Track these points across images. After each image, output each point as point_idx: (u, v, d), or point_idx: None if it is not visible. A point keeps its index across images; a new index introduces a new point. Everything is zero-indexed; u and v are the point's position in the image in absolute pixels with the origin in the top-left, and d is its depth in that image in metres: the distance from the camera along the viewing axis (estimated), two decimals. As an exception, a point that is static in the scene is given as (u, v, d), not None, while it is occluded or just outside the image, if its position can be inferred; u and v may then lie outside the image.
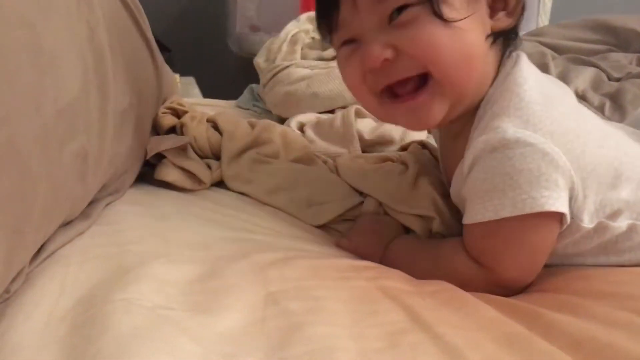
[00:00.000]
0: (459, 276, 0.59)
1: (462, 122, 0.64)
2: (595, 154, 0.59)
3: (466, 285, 0.57)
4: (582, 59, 1.34)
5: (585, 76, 1.23)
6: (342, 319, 0.46)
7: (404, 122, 0.66)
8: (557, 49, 1.40)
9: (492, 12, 0.62)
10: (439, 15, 0.57)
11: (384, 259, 0.66)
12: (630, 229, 0.60)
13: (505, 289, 0.59)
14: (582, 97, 1.17)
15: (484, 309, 0.51)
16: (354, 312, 0.48)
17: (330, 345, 0.42)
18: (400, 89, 0.61)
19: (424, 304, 0.51)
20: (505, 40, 0.65)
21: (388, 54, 0.59)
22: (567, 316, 0.48)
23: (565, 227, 0.59)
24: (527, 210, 0.56)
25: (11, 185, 0.42)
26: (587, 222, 0.59)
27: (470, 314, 0.50)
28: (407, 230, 0.73)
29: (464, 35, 0.59)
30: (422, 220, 0.71)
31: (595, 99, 1.16)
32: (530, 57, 1.36)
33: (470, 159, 0.60)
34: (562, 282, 0.59)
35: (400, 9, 0.58)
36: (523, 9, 0.64)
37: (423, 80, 0.60)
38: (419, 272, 0.61)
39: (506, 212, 0.56)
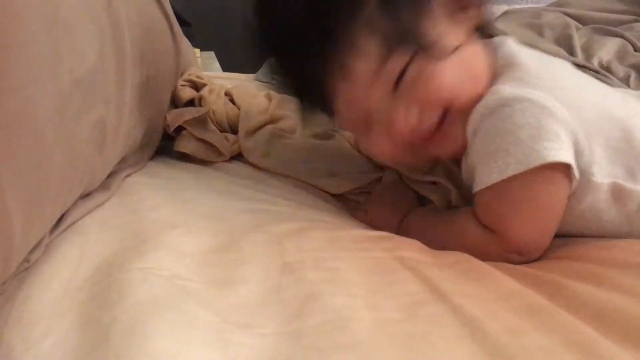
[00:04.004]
0: (473, 246, 0.58)
1: None
2: (597, 110, 0.59)
3: (481, 254, 0.56)
4: (607, 29, 1.30)
5: (609, 47, 1.20)
6: (359, 290, 0.46)
7: (440, 154, 0.66)
8: (581, 20, 1.36)
9: (466, 9, 0.63)
10: (439, 58, 0.58)
11: (400, 230, 0.65)
12: None
13: (520, 254, 0.58)
14: (606, 69, 1.14)
15: (504, 280, 0.50)
16: (371, 282, 0.47)
17: (347, 315, 0.41)
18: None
19: (443, 275, 0.50)
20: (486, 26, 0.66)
21: (413, 119, 0.60)
22: (590, 286, 0.47)
23: (575, 184, 0.58)
24: (532, 164, 0.55)
25: (26, 153, 0.42)
26: (599, 176, 0.58)
27: (490, 284, 0.49)
28: (423, 203, 0.72)
29: (464, 57, 0.60)
30: (440, 192, 0.71)
31: (620, 70, 1.13)
32: (554, 28, 1.33)
33: (472, 126, 0.60)
34: (582, 250, 0.57)
35: (402, 71, 0.59)
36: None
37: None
38: (434, 243, 0.60)
39: (511, 170, 0.56)
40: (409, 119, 0.60)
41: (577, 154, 0.57)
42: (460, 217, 0.63)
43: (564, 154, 0.56)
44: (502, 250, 0.58)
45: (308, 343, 0.39)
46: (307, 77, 0.63)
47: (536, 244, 0.59)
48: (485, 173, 0.58)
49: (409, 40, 0.58)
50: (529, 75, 0.60)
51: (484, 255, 0.56)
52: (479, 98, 0.60)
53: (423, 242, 0.60)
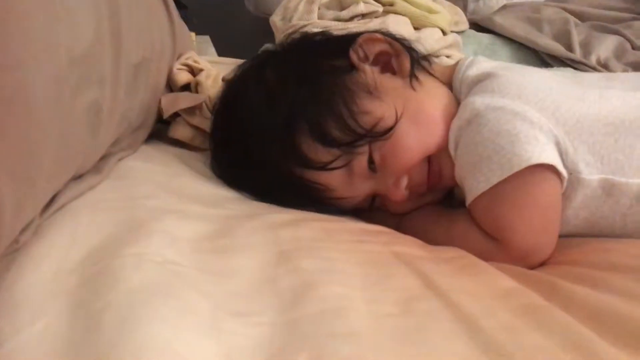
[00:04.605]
0: (476, 254, 0.57)
1: None
2: (573, 108, 0.60)
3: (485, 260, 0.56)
4: (605, 26, 1.30)
5: (608, 44, 1.20)
6: (355, 281, 0.45)
7: (448, 185, 0.68)
8: (580, 16, 1.36)
9: (388, 67, 0.68)
10: (390, 133, 0.62)
11: (400, 227, 0.65)
12: None
13: (526, 259, 0.57)
14: (604, 66, 1.14)
15: (501, 278, 0.50)
16: (367, 275, 0.47)
17: (343, 305, 0.41)
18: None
19: (439, 270, 0.50)
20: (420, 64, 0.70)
21: (405, 184, 0.64)
22: (586, 288, 0.47)
23: (566, 183, 0.58)
24: (515, 168, 0.56)
25: (20, 131, 0.41)
26: (587, 173, 0.58)
27: (487, 282, 0.49)
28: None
29: (411, 112, 0.63)
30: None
31: (618, 67, 1.13)
32: (552, 23, 1.33)
33: (453, 142, 0.62)
34: (579, 254, 0.58)
35: (369, 160, 0.63)
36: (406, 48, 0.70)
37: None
38: (433, 244, 0.60)
39: (497, 177, 0.57)
40: (401, 187, 0.64)
41: (562, 153, 0.58)
42: (461, 225, 0.62)
43: (546, 155, 0.56)
44: (508, 258, 0.57)
45: (304, 332, 0.38)
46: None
47: (542, 246, 0.59)
48: (473, 184, 0.59)
49: (356, 142, 0.62)
50: (499, 85, 0.61)
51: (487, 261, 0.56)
52: (449, 127, 0.63)
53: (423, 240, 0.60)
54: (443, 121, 0.64)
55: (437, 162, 0.65)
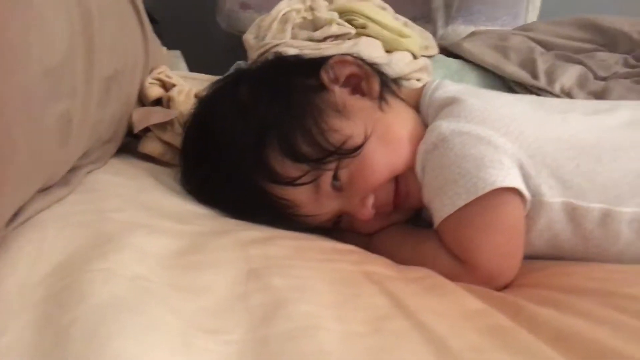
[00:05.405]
0: (444, 275, 0.57)
1: None
2: (537, 132, 0.62)
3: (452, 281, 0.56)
4: (569, 56, 1.34)
5: (571, 73, 1.23)
6: (326, 300, 0.45)
7: (415, 206, 0.69)
8: (545, 45, 1.40)
9: (358, 89, 0.69)
10: (357, 152, 0.63)
11: (369, 246, 0.65)
12: (605, 214, 0.60)
13: (490, 282, 0.58)
14: (567, 94, 1.17)
15: (468, 299, 0.50)
16: (337, 293, 0.47)
17: (313, 324, 0.41)
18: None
19: (408, 290, 0.50)
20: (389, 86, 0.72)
21: (371, 204, 0.65)
22: (550, 310, 0.48)
23: (529, 205, 0.60)
24: (480, 192, 0.57)
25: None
26: (549, 196, 0.60)
27: (454, 302, 0.49)
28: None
29: (379, 132, 0.65)
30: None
31: (581, 96, 1.16)
32: (519, 51, 1.36)
33: (420, 165, 0.63)
34: (543, 277, 0.59)
35: (335, 177, 0.64)
36: (374, 70, 0.72)
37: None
38: (402, 263, 0.60)
39: (462, 200, 0.58)
40: (367, 206, 0.64)
41: (525, 176, 0.60)
42: (430, 246, 0.63)
43: (509, 179, 0.58)
44: (474, 279, 0.58)
45: (274, 350, 0.38)
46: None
47: (506, 267, 0.60)
48: (439, 207, 0.60)
49: (324, 158, 0.63)
50: (465, 110, 0.63)
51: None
52: (416, 149, 0.65)
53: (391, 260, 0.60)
54: (410, 142, 0.65)
55: (405, 182, 0.66)
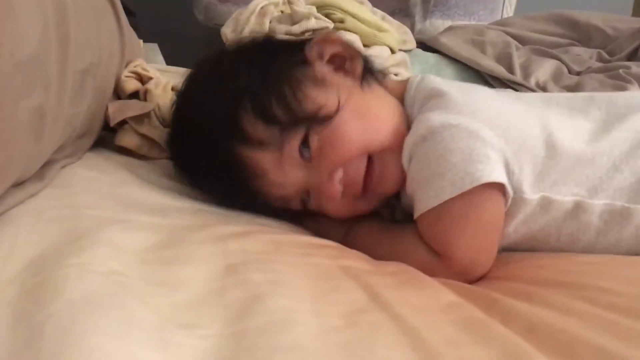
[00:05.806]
0: (419, 268, 0.58)
1: None
2: (520, 128, 0.63)
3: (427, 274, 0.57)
4: (544, 50, 1.36)
5: (546, 68, 1.25)
6: (302, 294, 0.46)
7: (386, 193, 0.68)
8: (521, 40, 1.42)
9: (341, 69, 0.69)
10: (329, 120, 0.62)
11: (346, 242, 0.65)
12: (577, 205, 0.61)
13: (465, 276, 0.59)
14: (542, 88, 1.19)
15: (443, 292, 0.51)
16: (314, 288, 0.47)
17: (290, 318, 0.41)
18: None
19: (384, 283, 0.51)
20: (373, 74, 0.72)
21: (339, 179, 0.63)
22: (523, 303, 0.49)
23: (510, 202, 0.60)
24: (467, 187, 0.58)
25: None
26: (529, 192, 0.61)
27: (430, 296, 0.50)
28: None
29: (354, 105, 0.64)
30: (389, 205, 0.72)
31: (555, 90, 1.18)
32: (495, 46, 1.38)
33: (407, 156, 0.63)
34: (517, 270, 0.60)
35: (304, 143, 0.63)
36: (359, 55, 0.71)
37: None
38: (379, 258, 0.61)
39: (447, 194, 0.58)
40: (335, 180, 0.63)
41: (509, 173, 0.60)
42: (406, 239, 0.63)
43: (496, 175, 0.58)
44: (449, 273, 0.58)
45: (250, 344, 0.38)
46: (226, 178, 0.65)
47: (481, 262, 0.60)
48: (423, 199, 0.60)
49: (295, 123, 0.63)
50: (453, 103, 0.63)
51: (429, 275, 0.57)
52: (396, 132, 0.64)
53: (368, 255, 0.60)
54: (388, 124, 0.65)
55: (380, 163, 0.65)
